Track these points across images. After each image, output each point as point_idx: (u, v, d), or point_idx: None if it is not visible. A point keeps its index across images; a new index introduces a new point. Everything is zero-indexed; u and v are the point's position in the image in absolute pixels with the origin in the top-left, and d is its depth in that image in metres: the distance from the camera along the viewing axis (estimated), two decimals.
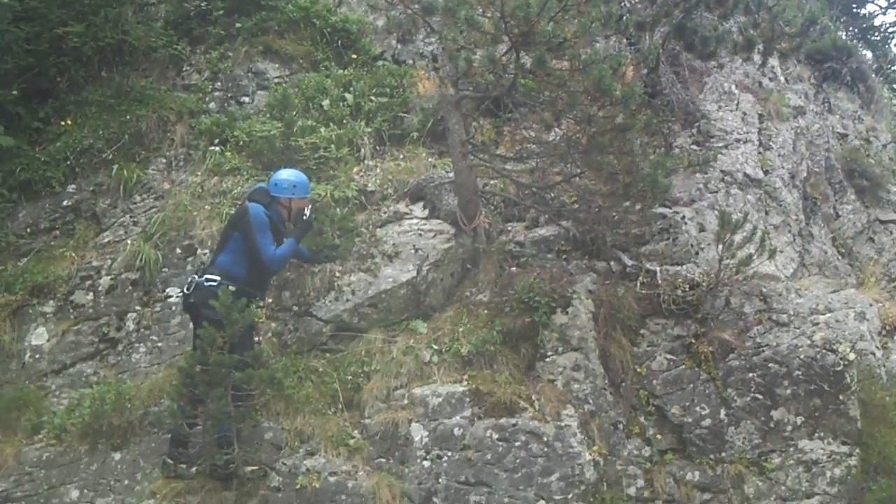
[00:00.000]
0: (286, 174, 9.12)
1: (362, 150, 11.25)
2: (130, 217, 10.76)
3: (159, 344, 9.67)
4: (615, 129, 8.86)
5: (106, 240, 10.61)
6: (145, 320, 9.82)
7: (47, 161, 11.11)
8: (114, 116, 11.61)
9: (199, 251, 10.11)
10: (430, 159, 11.24)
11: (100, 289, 10.07)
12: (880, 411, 8.93)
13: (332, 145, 11.00)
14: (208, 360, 7.70)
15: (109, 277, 10.12)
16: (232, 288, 8.22)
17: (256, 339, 8.87)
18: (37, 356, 9.74)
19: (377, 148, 11.46)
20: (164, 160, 11.40)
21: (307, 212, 8.95)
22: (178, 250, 10.21)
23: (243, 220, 8.59)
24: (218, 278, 8.37)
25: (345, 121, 11.55)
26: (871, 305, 9.88)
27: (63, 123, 11.56)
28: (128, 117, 11.57)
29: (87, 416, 8.83)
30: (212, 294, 8.03)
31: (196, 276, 8.54)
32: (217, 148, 11.25)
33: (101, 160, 11.26)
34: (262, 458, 8.39)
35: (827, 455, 8.56)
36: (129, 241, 10.37)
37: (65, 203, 11.01)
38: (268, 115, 11.53)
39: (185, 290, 8.58)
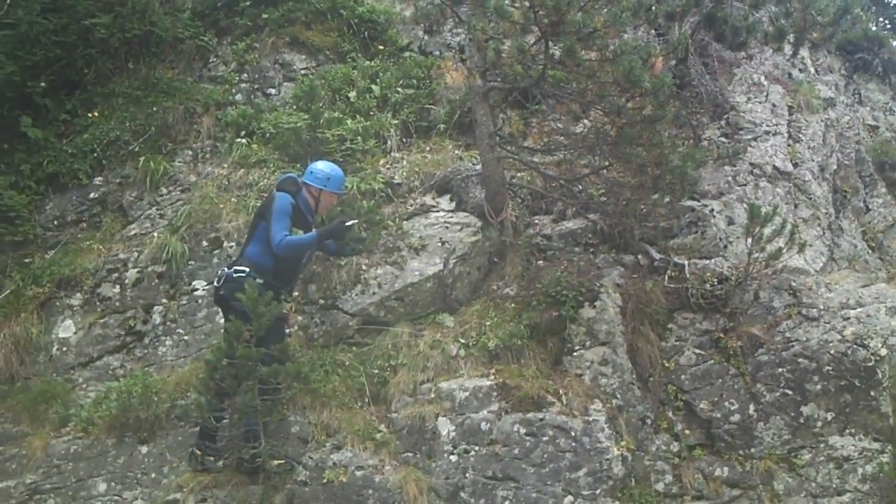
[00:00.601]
0: (323, 165, 9.10)
1: (389, 142, 11.21)
2: (157, 209, 10.79)
3: (185, 337, 9.70)
4: (644, 121, 8.79)
5: (132, 232, 10.64)
6: (171, 313, 9.86)
7: (74, 153, 11.18)
8: (140, 108, 11.66)
9: (225, 244, 10.13)
10: (456, 151, 11.19)
11: (126, 281, 10.12)
12: None
13: (359, 137, 10.98)
14: (235, 354, 7.69)
15: (136, 270, 10.16)
16: (259, 280, 8.25)
17: (288, 331, 8.86)
18: (64, 349, 9.79)
19: (404, 140, 11.43)
20: (190, 152, 11.42)
21: (354, 224, 8.73)
22: (205, 243, 10.23)
23: (270, 208, 8.56)
24: (247, 269, 8.36)
25: (371, 112, 11.52)
26: None
27: (90, 115, 11.62)
28: (154, 109, 11.62)
29: (114, 409, 8.88)
30: (240, 286, 8.01)
31: (226, 269, 8.52)
32: (243, 140, 11.28)
33: (128, 152, 11.32)
34: (289, 452, 8.40)
35: (858, 452, 8.44)
36: (155, 234, 10.42)
37: (92, 195, 11.09)
38: (294, 107, 11.57)
39: (215, 283, 8.57)
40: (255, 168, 10.89)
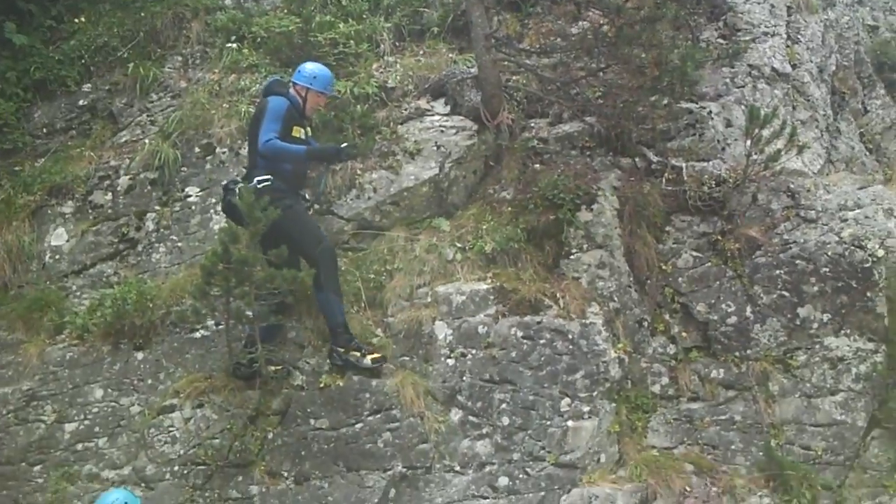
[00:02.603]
0: (311, 65, 9.03)
1: (381, 45, 11.01)
2: (147, 116, 10.65)
3: (179, 244, 9.64)
4: (643, 20, 8.66)
5: (123, 139, 10.52)
6: (165, 220, 9.78)
7: (62, 60, 10.99)
8: (128, 14, 11.43)
9: (217, 150, 10.03)
10: (450, 55, 10.97)
11: (118, 189, 10.03)
12: None
13: (351, 41, 10.78)
14: (231, 258, 7.62)
15: (128, 177, 10.07)
16: (283, 186, 8.29)
17: None
18: (57, 257, 9.75)
19: (396, 44, 11.21)
20: (180, 58, 11.22)
21: (345, 149, 8.61)
22: (197, 149, 10.11)
23: (264, 112, 8.49)
24: (269, 176, 8.31)
25: (363, 16, 11.29)
26: None
27: (76, 21, 11.41)
28: (142, 14, 11.37)
29: (108, 316, 8.87)
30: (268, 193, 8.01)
31: (242, 183, 8.37)
32: (234, 45, 11.05)
33: (117, 58, 11.10)
34: (286, 357, 8.42)
35: (853, 352, 8.50)
36: (146, 141, 10.28)
37: (81, 102, 10.93)
38: (285, 11, 11.32)
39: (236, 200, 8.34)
40: (247, 73, 10.70)
